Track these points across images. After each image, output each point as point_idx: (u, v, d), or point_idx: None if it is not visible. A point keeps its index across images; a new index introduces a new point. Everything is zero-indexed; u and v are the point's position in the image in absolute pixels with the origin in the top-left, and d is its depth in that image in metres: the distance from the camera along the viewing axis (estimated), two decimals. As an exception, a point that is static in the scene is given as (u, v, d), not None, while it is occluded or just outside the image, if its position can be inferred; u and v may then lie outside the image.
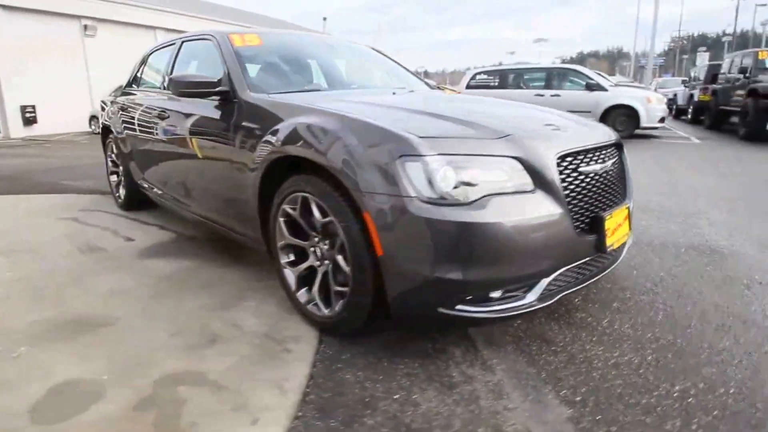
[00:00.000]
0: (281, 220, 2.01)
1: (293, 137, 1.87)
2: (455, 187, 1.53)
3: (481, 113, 2.02)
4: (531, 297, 1.60)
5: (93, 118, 13.78)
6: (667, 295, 2.28)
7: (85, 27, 14.54)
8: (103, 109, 4.22)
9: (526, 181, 1.61)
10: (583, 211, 1.74)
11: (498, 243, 1.49)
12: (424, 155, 1.54)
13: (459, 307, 1.56)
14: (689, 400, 1.49)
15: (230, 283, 2.48)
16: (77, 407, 1.54)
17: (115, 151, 3.89)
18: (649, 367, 1.68)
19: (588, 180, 1.80)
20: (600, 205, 1.83)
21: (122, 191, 3.90)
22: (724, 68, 11.08)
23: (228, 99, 2.36)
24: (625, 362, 1.70)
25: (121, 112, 3.63)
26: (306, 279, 2.02)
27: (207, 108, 2.51)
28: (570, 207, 1.67)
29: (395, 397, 1.51)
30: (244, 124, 2.21)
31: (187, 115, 2.64)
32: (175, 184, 3.00)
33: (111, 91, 4.33)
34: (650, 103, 9.10)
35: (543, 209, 1.58)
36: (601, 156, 1.93)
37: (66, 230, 3.43)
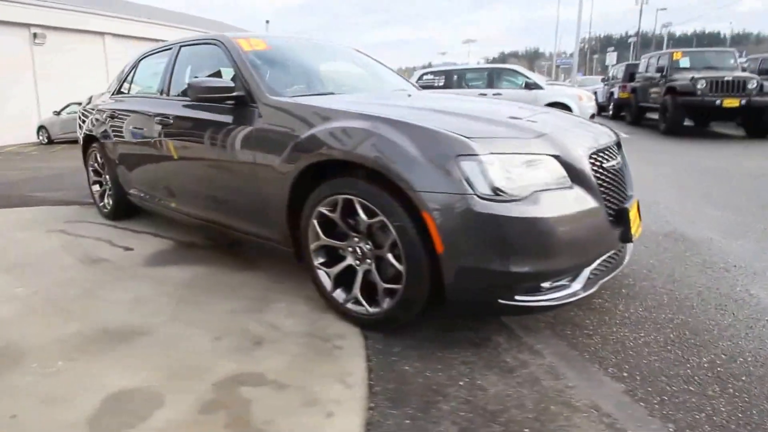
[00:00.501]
0: (315, 222, 2.05)
1: (340, 141, 1.92)
2: (508, 184, 1.64)
3: (507, 114, 2.14)
4: (577, 286, 1.73)
5: (41, 128, 13.02)
6: (663, 280, 2.49)
7: (35, 35, 13.78)
8: (83, 117, 4.04)
9: (565, 177, 1.74)
10: (611, 204, 1.90)
11: (551, 235, 1.61)
12: (479, 154, 1.64)
13: (517, 297, 1.67)
14: (718, 369, 1.66)
15: (251, 287, 2.48)
16: (139, 415, 1.52)
17: (99, 160, 3.75)
18: (674, 344, 1.85)
19: (610, 175, 1.97)
20: (622, 198, 2.00)
21: (108, 200, 3.77)
22: (641, 68, 11.84)
23: (243, 103, 2.38)
24: (652, 341, 1.87)
25: (109, 120, 3.51)
26: (340, 279, 2.07)
27: (219, 112, 2.51)
28: (604, 200, 1.82)
29: (460, 383, 1.60)
30: (267, 127, 2.23)
31: (197, 120, 2.63)
32: (176, 190, 2.95)
33: (85, 100, 4.15)
34: (582, 100, 9.55)
35: (584, 203, 1.72)
36: (614, 153, 2.11)
37: (59, 243, 3.27)
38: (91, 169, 3.93)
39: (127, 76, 3.61)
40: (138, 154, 3.24)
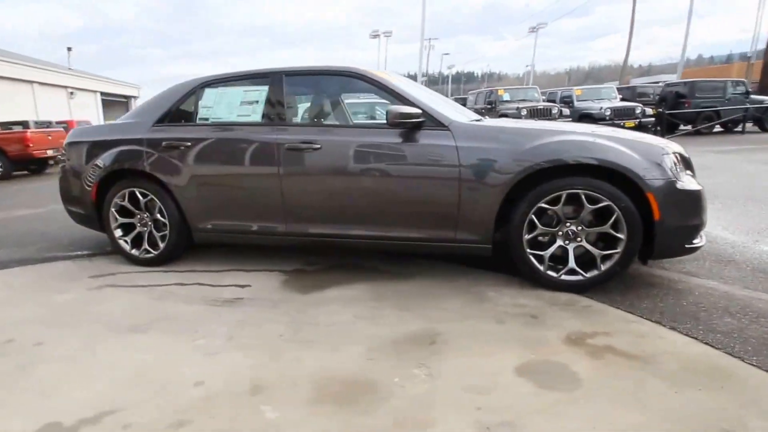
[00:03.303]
0: (533, 216, 2.59)
1: (574, 150, 2.50)
2: (680, 170, 2.54)
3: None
4: (704, 238, 2.71)
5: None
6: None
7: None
8: (89, 155, 3.38)
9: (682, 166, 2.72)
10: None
11: (703, 200, 2.54)
12: (669, 153, 2.51)
13: (693, 242, 2.56)
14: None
15: (449, 287, 2.78)
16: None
17: (141, 198, 3.25)
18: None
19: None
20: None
21: (157, 243, 3.30)
22: (470, 101, 15.26)
23: (418, 126, 2.72)
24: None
25: (172, 151, 3.12)
26: (550, 259, 2.63)
27: (386, 136, 2.78)
28: None
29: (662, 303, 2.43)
30: (471, 145, 2.64)
31: (364, 144, 2.81)
32: (302, 213, 2.96)
33: (73, 134, 3.48)
34: None
35: (696, 183, 2.70)
36: None
37: (147, 298, 2.83)
38: (114, 210, 3.33)
39: (181, 104, 3.27)
40: (233, 184, 3.07)
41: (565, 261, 2.64)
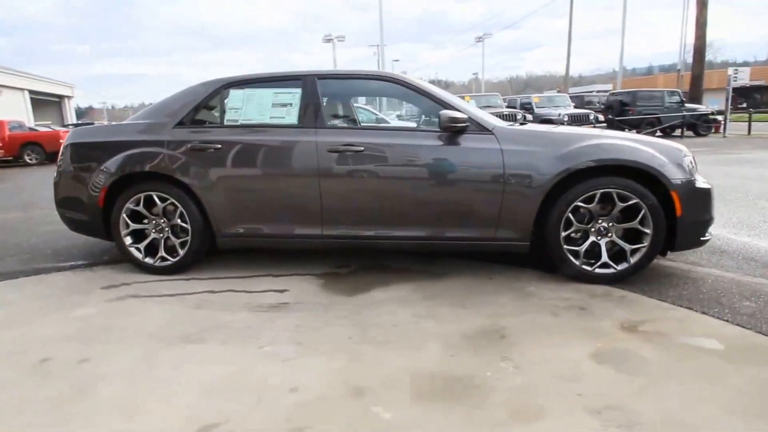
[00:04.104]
0: (570, 214, 2.76)
1: (613, 152, 2.70)
2: (695, 171, 2.82)
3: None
4: (712, 232, 3.02)
5: None
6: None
7: None
8: (95, 156, 3.14)
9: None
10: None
11: (713, 197, 2.83)
12: (688, 155, 2.77)
13: (706, 235, 2.84)
14: None
15: (490, 284, 2.89)
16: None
17: (160, 203, 3.07)
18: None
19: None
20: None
21: (176, 249, 3.14)
22: None
23: (461, 131, 2.82)
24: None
25: (198, 154, 2.99)
26: (584, 254, 2.82)
27: (428, 138, 2.85)
28: None
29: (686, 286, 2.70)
30: (515, 148, 2.77)
31: (408, 147, 2.86)
32: (342, 215, 2.96)
33: (72, 135, 3.22)
34: None
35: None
36: None
37: (183, 308, 2.69)
38: (125, 215, 3.12)
39: (203, 105, 3.13)
40: (268, 187, 3.00)
41: (595, 255, 2.83)
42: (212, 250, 3.26)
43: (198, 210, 3.06)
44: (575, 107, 15.26)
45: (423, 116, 3.53)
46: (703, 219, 2.80)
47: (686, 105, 14.57)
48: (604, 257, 2.81)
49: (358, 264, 3.34)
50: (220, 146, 3.00)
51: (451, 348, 2.14)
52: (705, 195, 2.77)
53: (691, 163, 2.80)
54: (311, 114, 2.99)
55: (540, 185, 2.74)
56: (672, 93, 15.03)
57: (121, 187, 3.12)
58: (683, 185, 2.69)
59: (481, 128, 2.85)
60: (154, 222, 3.15)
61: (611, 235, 2.81)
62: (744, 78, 20.20)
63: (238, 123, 3.10)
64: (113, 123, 3.87)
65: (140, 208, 3.12)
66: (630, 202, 2.72)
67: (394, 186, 2.89)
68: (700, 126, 13.96)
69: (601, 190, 2.73)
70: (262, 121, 3.07)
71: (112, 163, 3.09)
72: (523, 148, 2.79)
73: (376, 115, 6.71)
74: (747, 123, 14.76)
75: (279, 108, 3.05)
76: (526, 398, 1.76)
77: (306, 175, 2.92)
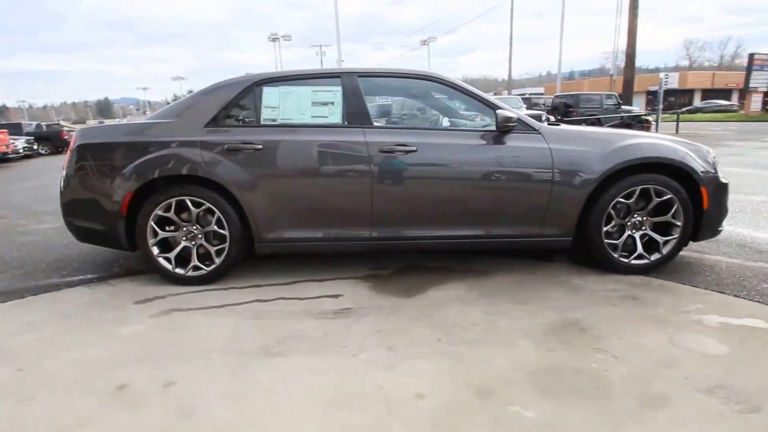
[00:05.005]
0: (611, 210, 2.93)
1: (655, 152, 2.88)
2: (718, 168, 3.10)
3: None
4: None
5: None
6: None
7: None
8: (129, 157, 2.84)
9: None
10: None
11: (728, 192, 3.14)
12: (713, 153, 3.03)
13: (722, 225, 3.14)
14: None
15: (538, 280, 2.98)
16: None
17: (195, 210, 2.86)
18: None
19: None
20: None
21: (212, 258, 2.94)
22: None
23: (508, 130, 2.89)
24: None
25: (239, 155, 2.82)
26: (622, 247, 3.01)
27: (476, 138, 2.91)
28: None
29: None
30: (564, 148, 2.89)
31: (461, 146, 2.89)
32: (394, 216, 2.93)
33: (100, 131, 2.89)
34: None
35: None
36: None
37: (232, 320, 2.55)
38: (153, 222, 2.86)
39: (234, 103, 2.93)
40: (316, 189, 2.90)
41: (627, 248, 3.02)
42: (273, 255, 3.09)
43: (237, 215, 2.88)
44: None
45: (464, 116, 3.56)
46: (722, 211, 3.08)
47: (622, 107, 15.85)
48: (639, 249, 3.02)
49: (395, 265, 3.32)
50: (261, 146, 2.84)
51: (542, 343, 2.21)
52: (725, 189, 3.05)
53: (714, 159, 3.07)
54: (358, 113, 2.92)
55: (587, 183, 2.88)
56: (609, 96, 16.34)
57: (146, 193, 2.87)
58: (710, 181, 2.96)
59: (528, 128, 2.94)
60: (185, 229, 2.93)
61: (645, 228, 3.02)
62: (673, 83, 22.43)
63: (277, 122, 2.95)
64: (125, 122, 3.53)
65: (170, 214, 2.88)
66: (664, 197, 2.94)
67: (446, 186, 2.90)
68: (635, 126, 15.21)
69: (641, 187, 2.92)
70: (303, 121, 2.95)
71: (138, 166, 2.83)
72: (570, 147, 2.91)
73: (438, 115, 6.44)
74: (675, 123, 16.33)
75: (320, 107, 2.95)
76: (643, 386, 1.86)
77: (357, 176, 2.86)
